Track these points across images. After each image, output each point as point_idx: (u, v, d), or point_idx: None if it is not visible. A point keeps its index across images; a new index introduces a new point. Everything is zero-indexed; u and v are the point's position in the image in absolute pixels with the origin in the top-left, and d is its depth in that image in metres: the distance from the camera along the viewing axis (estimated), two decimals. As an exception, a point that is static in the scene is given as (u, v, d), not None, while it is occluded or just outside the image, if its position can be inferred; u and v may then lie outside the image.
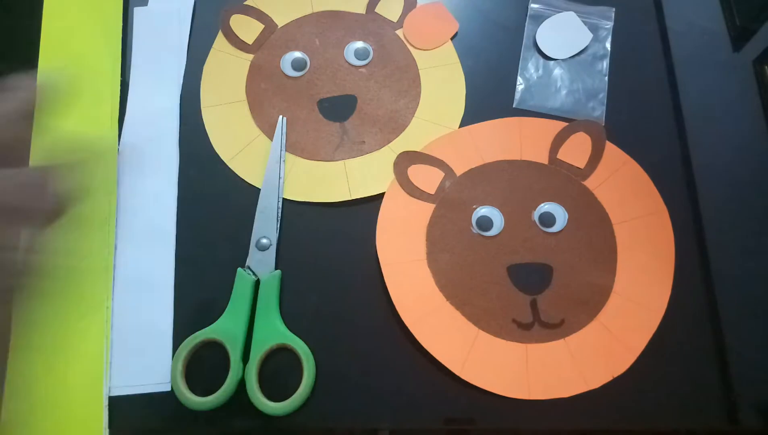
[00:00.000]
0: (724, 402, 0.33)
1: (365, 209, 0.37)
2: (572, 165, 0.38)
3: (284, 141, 0.38)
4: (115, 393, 0.33)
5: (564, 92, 0.41)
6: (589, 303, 0.35)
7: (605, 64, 0.42)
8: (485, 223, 0.37)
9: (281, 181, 0.37)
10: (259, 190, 0.37)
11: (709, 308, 0.35)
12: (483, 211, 0.37)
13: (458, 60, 0.42)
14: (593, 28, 0.42)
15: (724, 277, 0.36)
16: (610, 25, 0.43)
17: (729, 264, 0.36)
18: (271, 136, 0.39)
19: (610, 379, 0.33)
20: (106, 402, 0.32)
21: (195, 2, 0.44)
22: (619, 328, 0.34)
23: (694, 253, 0.36)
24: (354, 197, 0.37)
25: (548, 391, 0.33)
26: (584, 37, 0.42)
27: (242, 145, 0.39)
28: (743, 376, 0.34)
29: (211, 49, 0.42)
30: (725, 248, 0.37)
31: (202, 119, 0.40)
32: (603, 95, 0.41)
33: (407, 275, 0.35)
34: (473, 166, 0.38)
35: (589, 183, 0.38)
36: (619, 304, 0.35)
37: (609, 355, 0.33)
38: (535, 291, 0.35)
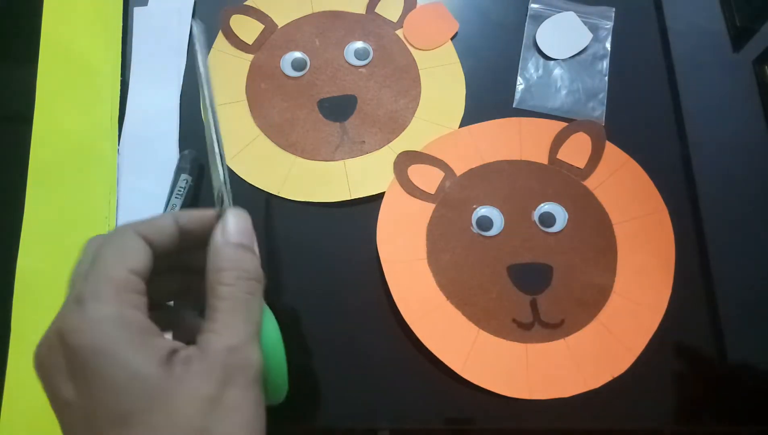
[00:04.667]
0: (724, 402, 0.33)
1: (365, 209, 0.37)
2: (572, 165, 0.38)
3: (206, 60, 0.28)
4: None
5: (564, 92, 0.41)
6: (589, 303, 0.35)
7: (605, 64, 0.42)
8: (485, 223, 0.37)
9: (208, 90, 0.28)
10: (259, 189, 0.37)
11: (709, 308, 0.35)
12: (483, 211, 0.37)
13: (458, 60, 0.42)
14: (593, 28, 0.42)
15: (724, 277, 0.36)
16: (610, 25, 0.43)
17: (729, 264, 0.36)
18: (271, 136, 0.39)
19: (610, 379, 0.33)
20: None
21: (195, 2, 0.44)
22: (619, 328, 0.34)
23: (694, 253, 0.36)
24: (354, 197, 0.37)
25: (548, 391, 0.33)
26: (584, 37, 0.42)
27: (242, 145, 0.39)
28: (743, 376, 0.34)
29: (211, 49, 0.42)
30: (725, 248, 0.37)
31: (202, 119, 0.40)
32: (603, 95, 0.41)
33: (408, 275, 0.35)
34: (473, 166, 0.38)
35: (589, 183, 0.38)
36: (619, 304, 0.35)
37: (609, 355, 0.33)
38: (535, 291, 0.35)
